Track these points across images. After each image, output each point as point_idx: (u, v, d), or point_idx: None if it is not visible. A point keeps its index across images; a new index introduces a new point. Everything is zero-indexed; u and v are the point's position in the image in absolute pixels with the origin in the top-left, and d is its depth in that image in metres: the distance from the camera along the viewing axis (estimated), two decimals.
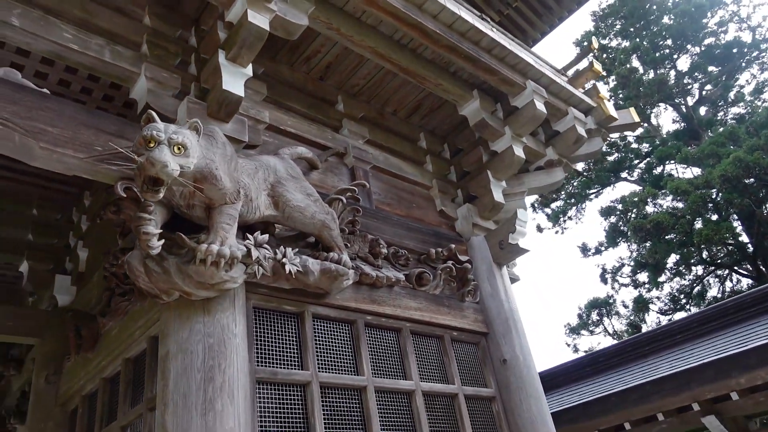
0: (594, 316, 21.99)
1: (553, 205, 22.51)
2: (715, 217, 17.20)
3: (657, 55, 20.50)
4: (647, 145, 21.31)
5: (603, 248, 21.14)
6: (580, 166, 21.38)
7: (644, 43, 20.62)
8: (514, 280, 5.65)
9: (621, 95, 20.33)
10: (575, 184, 21.98)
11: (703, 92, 20.79)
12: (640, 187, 19.87)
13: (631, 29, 21.30)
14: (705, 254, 18.10)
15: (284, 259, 3.22)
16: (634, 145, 21.61)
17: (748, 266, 17.70)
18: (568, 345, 23.08)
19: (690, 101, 20.88)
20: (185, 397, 2.79)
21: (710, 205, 16.95)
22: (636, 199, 18.63)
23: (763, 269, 17.06)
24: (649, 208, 18.92)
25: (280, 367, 3.34)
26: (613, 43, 21.97)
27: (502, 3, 6.40)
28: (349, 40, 4.11)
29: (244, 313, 3.21)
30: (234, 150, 3.17)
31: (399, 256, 4.43)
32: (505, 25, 6.37)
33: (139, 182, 2.62)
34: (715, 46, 20.22)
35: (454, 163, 5.59)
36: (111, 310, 3.92)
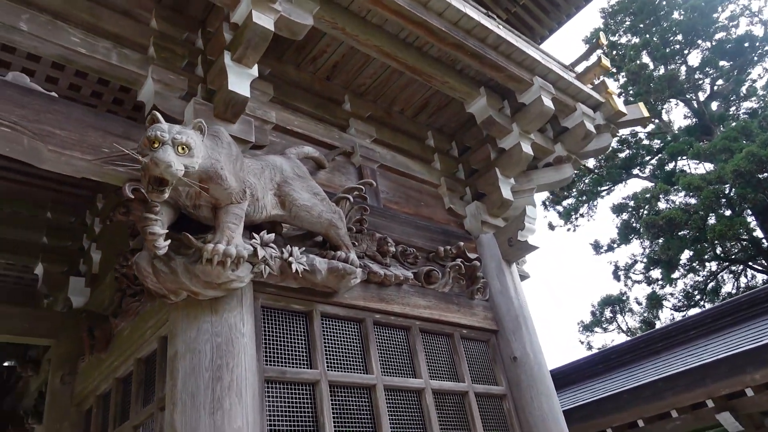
0: (607, 314, 21.75)
1: (565, 203, 22.30)
2: (728, 213, 16.92)
3: (667, 50, 20.23)
4: (659, 142, 21.04)
5: (615, 245, 20.89)
6: (590, 163, 21.20)
7: (654, 38, 20.35)
8: (524, 277, 5.59)
9: (631, 91, 20.09)
10: (586, 181, 21.76)
11: (715, 87, 20.49)
12: (652, 184, 19.62)
13: (641, 25, 21.04)
14: (719, 250, 17.83)
15: (291, 258, 3.20)
16: (646, 142, 21.34)
17: (763, 261, 17.41)
18: (582, 342, 22.85)
19: (701, 96, 20.58)
20: (193, 397, 2.78)
21: (723, 200, 16.68)
22: (648, 195, 18.38)
23: None
24: (662, 205, 18.67)
25: (289, 366, 3.32)
26: (623, 40, 21.72)
27: (510, 1, 6.34)
28: (354, 40, 4.09)
29: (252, 312, 3.19)
30: (239, 150, 3.15)
31: (407, 255, 4.39)
32: (513, 23, 6.30)
33: (144, 183, 2.61)
34: (726, 41, 19.91)
35: (462, 161, 5.54)
36: (122, 311, 3.93)
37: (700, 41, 20.34)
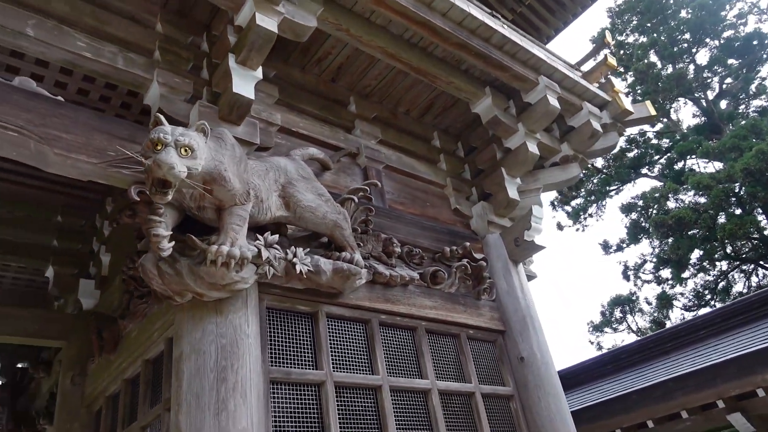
0: (617, 314, 21.57)
1: (573, 203, 22.15)
2: (738, 212, 16.72)
3: (675, 49, 20.04)
4: (667, 141, 20.84)
5: (624, 245, 20.71)
6: (599, 162, 21.07)
7: (662, 38, 20.17)
8: (531, 277, 5.55)
9: (639, 91, 19.92)
10: (595, 181, 21.60)
11: (724, 85, 20.26)
12: (661, 183, 19.43)
13: (648, 24, 20.86)
14: (729, 249, 17.61)
15: (295, 259, 3.18)
16: (654, 141, 21.15)
17: None
18: (592, 343, 22.66)
19: (710, 95, 20.37)
20: (198, 398, 2.77)
21: (733, 199, 16.49)
22: (657, 194, 18.21)
23: None
24: (671, 204, 18.48)
25: (294, 367, 3.30)
26: (630, 39, 21.55)
27: (515, 1, 6.30)
28: (358, 41, 4.07)
29: (257, 313, 3.18)
30: (243, 151, 3.15)
31: (413, 255, 4.36)
32: (519, 23, 6.27)
33: (148, 185, 2.61)
34: (735, 39, 19.69)
35: (468, 162, 5.51)
36: (130, 313, 3.93)
37: (708, 39, 20.14)
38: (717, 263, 18.53)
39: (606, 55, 5.54)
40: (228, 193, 2.89)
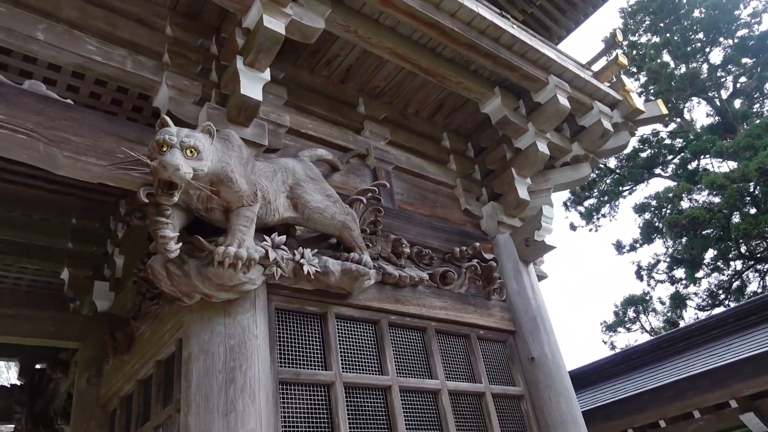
0: (630, 314, 21.26)
1: (586, 203, 21.91)
2: (753, 211, 16.39)
3: (688, 49, 19.74)
4: (681, 141, 20.52)
5: (638, 245, 20.42)
6: (611, 163, 20.83)
7: (675, 37, 19.87)
8: (541, 277, 5.46)
9: (652, 91, 19.65)
10: (608, 181, 21.34)
11: (738, 85, 19.91)
12: (675, 183, 19.13)
13: (661, 24, 20.57)
14: (743, 249, 17.27)
15: (302, 260, 3.14)
16: (668, 141, 20.84)
17: None
18: (605, 342, 22.42)
19: (724, 94, 20.03)
20: (207, 399, 2.73)
21: (748, 198, 16.17)
22: (671, 194, 17.92)
23: None
24: (684, 204, 18.18)
25: (304, 368, 3.26)
26: (643, 39, 21.26)
27: (526, 2, 6.22)
28: (367, 42, 4.03)
29: (265, 314, 3.14)
30: (251, 153, 3.11)
31: (423, 256, 4.31)
32: (530, 24, 6.18)
33: (155, 186, 2.58)
34: (749, 38, 19.34)
35: (478, 162, 5.43)
36: (142, 314, 3.92)
37: (721, 39, 19.80)
38: (731, 263, 18.19)
39: (617, 54, 5.44)
40: (235, 195, 2.86)
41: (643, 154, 20.67)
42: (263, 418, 2.78)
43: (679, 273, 19.38)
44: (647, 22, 21.17)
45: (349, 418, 3.24)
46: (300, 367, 3.24)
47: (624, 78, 5.46)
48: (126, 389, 4.19)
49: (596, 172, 20.77)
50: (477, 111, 4.99)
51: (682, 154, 20.18)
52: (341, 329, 3.58)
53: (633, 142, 20.62)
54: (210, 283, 2.84)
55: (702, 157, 19.27)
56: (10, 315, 4.81)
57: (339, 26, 3.81)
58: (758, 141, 15.56)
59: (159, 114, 3.87)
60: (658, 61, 19.59)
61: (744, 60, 19.35)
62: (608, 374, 8.98)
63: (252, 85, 3.43)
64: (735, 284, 18.35)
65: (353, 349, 3.57)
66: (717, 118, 20.00)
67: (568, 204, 22.01)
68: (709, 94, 19.96)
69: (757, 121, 17.32)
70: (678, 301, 19.06)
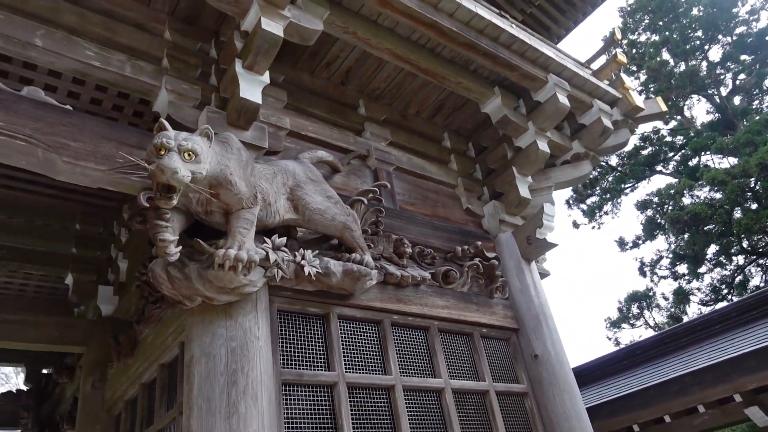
0: (634, 310, 21.15)
1: (589, 201, 21.80)
2: (754, 206, 16.28)
3: (687, 47, 19.63)
4: (681, 138, 20.40)
5: (640, 241, 20.32)
6: (613, 160, 20.74)
7: (674, 35, 19.77)
8: (544, 275, 5.40)
9: (652, 89, 19.53)
10: (610, 179, 21.24)
11: (737, 82, 19.79)
12: (676, 180, 19.02)
13: (660, 23, 20.47)
14: (745, 244, 17.15)
15: (303, 261, 3.11)
16: (668, 138, 20.72)
17: None
18: (609, 339, 22.22)
19: (723, 91, 19.90)
20: (209, 401, 2.70)
21: (749, 194, 16.06)
22: (672, 191, 17.81)
23: None
24: (686, 200, 18.08)
25: (307, 369, 3.23)
26: (642, 38, 21.16)
27: (525, 2, 6.17)
28: (366, 44, 3.99)
29: (267, 316, 3.11)
30: (250, 155, 3.08)
31: (425, 255, 4.27)
32: (529, 24, 6.14)
33: (154, 190, 2.56)
34: (747, 35, 19.22)
35: (479, 161, 5.39)
36: (145, 318, 3.90)
37: (720, 36, 19.69)
38: (733, 258, 18.06)
39: (616, 52, 5.40)
40: (235, 197, 2.83)
41: (645, 152, 20.56)
42: (266, 419, 2.75)
43: (682, 269, 19.29)
44: (646, 21, 21.07)
45: (352, 419, 3.20)
46: (303, 368, 3.21)
47: (623, 76, 5.41)
48: (130, 393, 4.16)
49: (598, 170, 20.69)
50: (477, 111, 4.95)
51: (683, 151, 20.07)
52: (344, 330, 3.55)
53: (634, 140, 20.55)
54: (211, 285, 2.81)
55: (703, 153, 19.16)
56: (16, 321, 4.81)
57: (338, 28, 3.78)
58: (758, 137, 15.46)
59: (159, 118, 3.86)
60: (658, 59, 19.49)
61: (743, 57, 19.24)
62: (612, 370, 8.92)
63: (251, 88, 3.40)
64: (737, 279, 18.24)
65: (356, 350, 3.53)
66: (717, 115, 19.89)
67: (571, 202, 21.92)
68: (709, 91, 19.84)
69: (757, 118, 17.20)
70: (681, 297, 18.95)
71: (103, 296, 4.84)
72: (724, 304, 16.78)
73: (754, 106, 19.33)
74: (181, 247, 2.75)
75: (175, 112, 3.40)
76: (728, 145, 16.31)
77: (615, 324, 21.69)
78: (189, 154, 2.51)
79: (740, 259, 18.15)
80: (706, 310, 18.18)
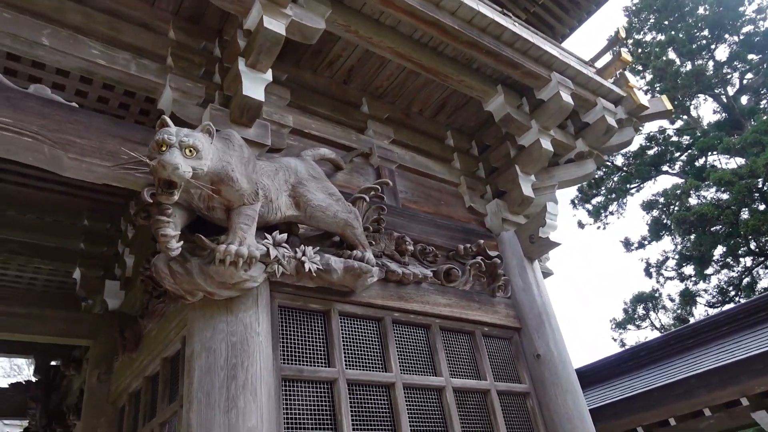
0: (640, 311, 21.01)
1: (594, 201, 21.68)
2: (762, 207, 16.14)
3: (693, 46, 19.47)
4: (688, 138, 20.24)
5: (646, 242, 20.17)
6: (619, 160, 20.61)
7: (680, 35, 19.61)
8: (547, 274, 5.38)
9: (658, 88, 19.39)
10: (615, 179, 21.11)
11: (744, 81, 19.61)
12: (683, 180, 18.89)
13: (666, 22, 20.31)
14: (753, 245, 17.00)
15: (304, 258, 3.11)
16: (674, 138, 20.57)
17: None
18: (614, 340, 22.16)
19: (730, 91, 19.74)
20: (209, 395, 2.71)
21: (756, 194, 15.91)
22: (678, 191, 17.68)
23: None
24: (693, 200, 17.94)
25: (307, 365, 3.23)
26: (648, 38, 21.00)
27: (529, 1, 6.15)
28: (368, 42, 3.99)
29: (268, 312, 3.12)
30: (252, 152, 3.09)
31: (427, 253, 4.26)
32: (533, 23, 6.12)
33: (155, 186, 2.57)
34: (755, 34, 19.04)
35: (482, 160, 5.37)
36: (149, 312, 3.92)
37: (727, 35, 19.52)
38: (741, 259, 17.91)
39: (620, 51, 5.36)
40: (236, 193, 2.84)
41: (650, 152, 20.42)
42: (265, 414, 2.76)
43: (689, 270, 19.14)
44: (652, 20, 20.91)
45: (352, 415, 3.20)
46: (303, 364, 3.22)
47: (628, 74, 5.37)
48: (134, 386, 4.19)
49: (603, 170, 20.57)
50: (480, 109, 4.94)
51: (690, 151, 19.91)
52: (344, 326, 3.55)
53: (639, 140, 20.41)
54: (212, 280, 2.82)
55: (709, 153, 19.00)
56: (24, 314, 4.86)
57: (340, 26, 3.78)
58: (766, 137, 15.31)
59: None
60: (664, 58, 19.34)
61: (750, 56, 19.06)
62: (617, 371, 8.85)
63: (254, 86, 3.41)
64: (745, 281, 18.08)
65: (356, 346, 3.54)
66: (724, 114, 19.73)
67: (576, 202, 21.81)
68: (716, 90, 19.68)
69: (765, 117, 17.04)
70: (687, 298, 18.80)
71: (110, 291, 4.88)
72: (732, 306, 16.63)
73: (761, 106, 19.14)
74: (182, 242, 2.76)
75: (179, 109, 3.42)
76: (735, 145, 16.17)
77: (620, 325, 21.57)
78: (190, 150, 2.52)
79: (748, 261, 17.99)
80: (713, 312, 18.03)
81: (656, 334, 20.04)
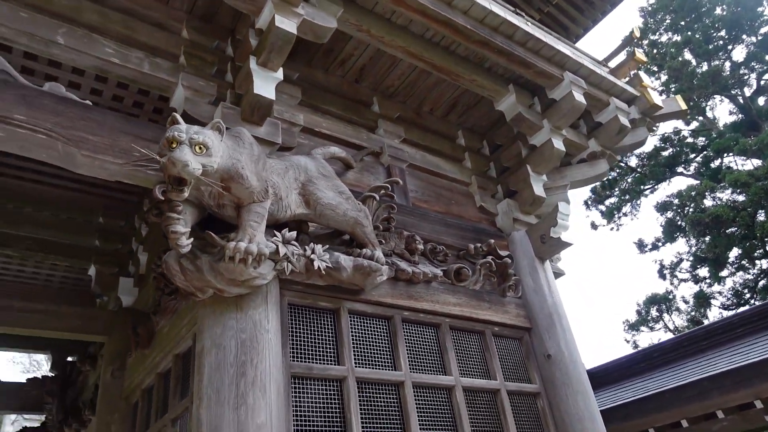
0: (653, 312, 20.75)
1: (608, 202, 21.45)
2: None
3: (710, 47, 19.19)
4: (703, 139, 19.95)
5: (660, 244, 19.92)
6: (633, 161, 20.37)
7: (696, 35, 19.34)
8: (558, 274, 5.33)
9: (673, 89, 19.13)
10: (629, 180, 20.88)
11: (761, 82, 19.28)
12: (698, 181, 18.61)
13: (682, 23, 20.05)
14: None
15: (313, 256, 3.10)
16: (690, 139, 20.28)
17: None
18: (628, 341, 21.86)
19: (747, 92, 19.41)
20: (218, 392, 2.71)
21: None
22: (693, 193, 17.43)
23: None
24: (708, 202, 17.68)
25: (316, 363, 3.22)
26: (664, 38, 20.74)
27: (543, 1, 6.10)
28: (380, 41, 3.98)
29: (277, 309, 3.11)
30: (262, 150, 3.09)
31: (437, 252, 4.23)
32: (547, 23, 6.06)
33: (165, 183, 2.58)
34: None
35: (493, 159, 5.33)
36: (161, 309, 3.94)
37: (744, 36, 19.20)
38: (756, 262, 17.61)
39: (634, 50, 5.29)
40: (246, 191, 2.84)
41: (665, 153, 20.16)
42: (274, 411, 2.75)
43: (703, 272, 18.88)
44: (668, 21, 20.65)
45: (361, 413, 3.19)
46: (312, 362, 3.21)
47: (642, 75, 5.30)
48: (147, 382, 4.21)
49: (617, 170, 20.35)
50: (491, 108, 4.90)
51: (705, 153, 19.62)
52: (354, 325, 3.53)
53: (654, 141, 20.17)
54: (221, 277, 2.82)
55: (725, 155, 18.70)
56: (41, 310, 4.92)
57: (351, 26, 3.77)
58: None
59: None
60: (680, 59, 19.08)
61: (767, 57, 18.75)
62: (629, 373, 8.74)
63: (265, 84, 3.41)
64: (761, 283, 17.77)
65: (366, 345, 3.52)
66: (740, 115, 19.41)
67: (589, 203, 21.60)
68: (732, 91, 19.38)
69: None
70: (702, 300, 18.53)
71: (124, 288, 4.91)
72: (746, 308, 16.35)
73: None
74: (193, 239, 2.76)
75: (191, 108, 3.43)
76: (752, 146, 15.90)
77: (633, 326, 21.33)
78: (200, 148, 2.52)
79: (764, 263, 17.69)
80: (727, 314, 17.75)
81: (669, 335, 19.78)
